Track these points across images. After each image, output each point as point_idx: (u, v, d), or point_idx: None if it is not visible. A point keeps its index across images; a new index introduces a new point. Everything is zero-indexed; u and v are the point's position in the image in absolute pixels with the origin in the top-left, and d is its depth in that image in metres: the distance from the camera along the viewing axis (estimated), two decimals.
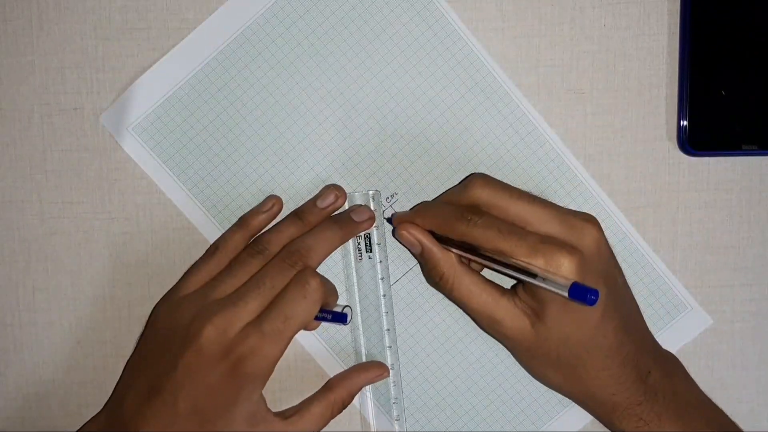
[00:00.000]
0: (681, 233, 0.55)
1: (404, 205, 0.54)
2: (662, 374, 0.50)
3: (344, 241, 0.52)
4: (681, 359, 0.53)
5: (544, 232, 0.47)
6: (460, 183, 0.53)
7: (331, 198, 0.52)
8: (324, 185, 0.54)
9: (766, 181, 0.55)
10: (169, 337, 0.49)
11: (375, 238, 0.54)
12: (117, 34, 0.54)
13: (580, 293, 0.43)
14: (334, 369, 0.55)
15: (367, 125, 0.54)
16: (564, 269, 0.46)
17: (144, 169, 0.54)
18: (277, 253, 0.50)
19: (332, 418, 0.52)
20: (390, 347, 0.54)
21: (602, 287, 0.47)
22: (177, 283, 0.51)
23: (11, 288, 0.55)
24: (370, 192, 0.54)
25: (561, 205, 0.54)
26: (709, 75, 0.53)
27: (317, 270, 0.50)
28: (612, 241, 0.54)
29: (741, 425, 0.52)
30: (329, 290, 0.52)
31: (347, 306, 0.52)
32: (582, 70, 0.54)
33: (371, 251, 0.54)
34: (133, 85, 0.53)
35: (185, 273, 0.51)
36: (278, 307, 0.48)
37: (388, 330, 0.54)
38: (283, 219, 0.52)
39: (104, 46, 0.54)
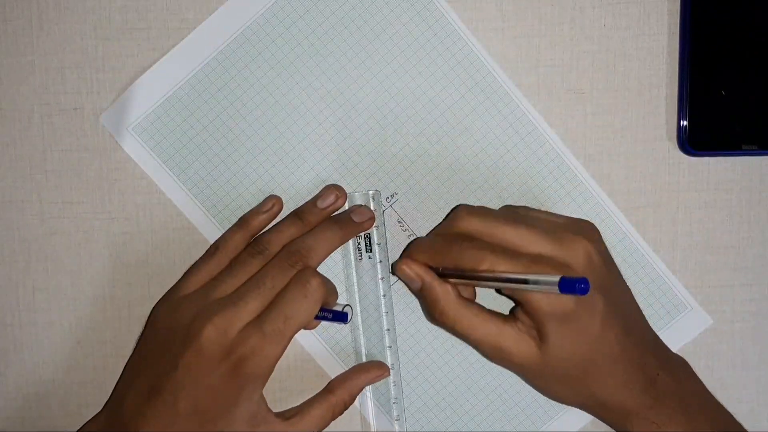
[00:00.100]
0: (681, 233, 0.55)
1: (404, 205, 0.54)
2: (670, 376, 0.50)
3: (344, 241, 0.52)
4: None
5: (535, 252, 0.47)
6: (445, 218, 0.53)
7: (331, 198, 0.52)
8: (324, 185, 0.54)
9: (766, 181, 0.55)
10: (169, 337, 0.49)
11: (375, 238, 0.54)
12: (117, 34, 0.54)
13: (569, 286, 0.43)
14: (334, 369, 0.55)
15: (367, 125, 0.54)
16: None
17: (144, 169, 0.54)
18: (277, 253, 0.50)
19: (333, 419, 0.52)
20: (390, 347, 0.54)
21: (599, 297, 0.47)
22: (177, 282, 0.51)
23: (11, 288, 0.55)
24: (370, 192, 0.54)
25: (561, 203, 0.54)
26: (709, 75, 0.53)
27: (317, 270, 0.50)
28: (612, 241, 0.54)
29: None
30: (329, 290, 0.52)
31: (347, 305, 0.52)
32: (582, 70, 0.54)
33: (371, 251, 0.54)
34: (133, 85, 0.53)
35: (185, 273, 0.51)
36: (279, 307, 0.48)
37: (388, 330, 0.54)
38: (283, 219, 0.52)
39: (104, 46, 0.54)
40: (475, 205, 0.54)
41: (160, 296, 0.52)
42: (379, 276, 0.54)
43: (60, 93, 0.54)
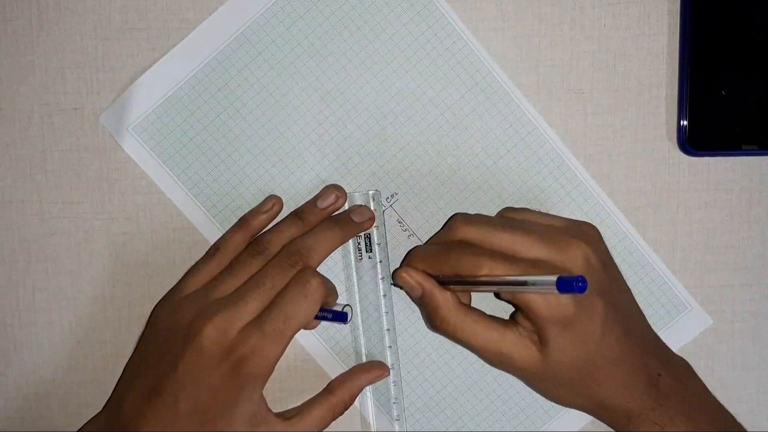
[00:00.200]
0: (681, 233, 0.55)
1: (404, 205, 0.54)
2: (672, 377, 0.50)
3: (344, 241, 0.52)
4: None
5: (532, 257, 0.47)
6: (443, 227, 0.53)
7: (331, 198, 0.52)
8: (324, 185, 0.54)
9: (766, 181, 0.55)
10: (169, 337, 0.49)
11: (375, 238, 0.54)
12: (117, 34, 0.54)
13: (567, 285, 0.43)
14: (334, 369, 0.55)
15: (367, 125, 0.54)
16: (558, 298, 0.47)
17: (144, 169, 0.54)
18: (277, 253, 0.50)
19: (333, 419, 0.52)
20: (390, 347, 0.54)
21: (598, 300, 0.47)
22: (177, 283, 0.51)
23: (11, 288, 0.55)
24: (370, 192, 0.54)
25: (561, 203, 0.54)
26: (709, 75, 0.53)
27: (317, 270, 0.50)
28: (612, 241, 0.54)
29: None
30: (329, 290, 0.52)
31: (347, 305, 0.52)
32: (582, 70, 0.54)
33: (371, 251, 0.54)
34: (133, 85, 0.53)
35: (186, 273, 0.51)
36: (279, 307, 0.48)
37: (388, 330, 0.54)
38: (283, 219, 0.52)
39: (104, 46, 0.54)
40: (474, 210, 0.54)
41: (160, 296, 0.52)
42: (379, 276, 0.54)
43: (60, 93, 0.54)
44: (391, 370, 0.54)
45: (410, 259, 0.51)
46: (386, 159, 0.54)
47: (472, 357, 0.55)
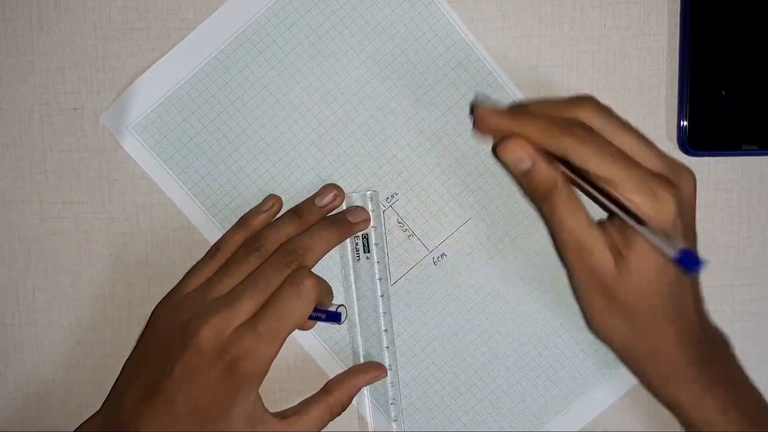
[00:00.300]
0: None
1: (404, 205, 0.54)
2: (715, 343, 0.50)
3: (341, 241, 0.52)
4: None
5: (649, 166, 0.46)
6: (563, 99, 0.49)
7: (329, 197, 0.52)
8: (323, 184, 0.54)
9: (766, 181, 0.55)
10: (168, 338, 0.49)
11: (373, 239, 0.54)
12: (117, 34, 0.53)
13: (688, 261, 0.42)
14: (333, 369, 0.55)
15: (368, 125, 0.54)
16: (666, 208, 0.45)
17: (144, 169, 0.54)
18: (274, 252, 0.50)
19: (331, 419, 0.52)
20: (388, 348, 0.54)
21: (692, 237, 0.48)
22: (178, 283, 0.51)
23: (11, 288, 0.55)
24: (368, 193, 0.54)
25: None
26: (709, 75, 0.53)
27: (312, 270, 0.50)
28: None
29: None
30: (324, 290, 0.52)
31: (342, 305, 0.52)
32: (582, 70, 0.54)
33: (369, 251, 0.54)
34: (133, 84, 0.53)
35: (186, 273, 0.51)
36: (272, 307, 0.48)
37: (386, 330, 0.54)
38: (281, 216, 0.53)
39: (104, 46, 0.54)
40: (474, 211, 0.54)
41: (160, 296, 0.52)
42: (377, 276, 0.54)
43: (60, 93, 0.54)
44: (388, 371, 0.54)
45: (514, 121, 0.47)
46: (386, 159, 0.54)
47: (472, 357, 0.55)
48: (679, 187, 0.46)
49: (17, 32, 0.53)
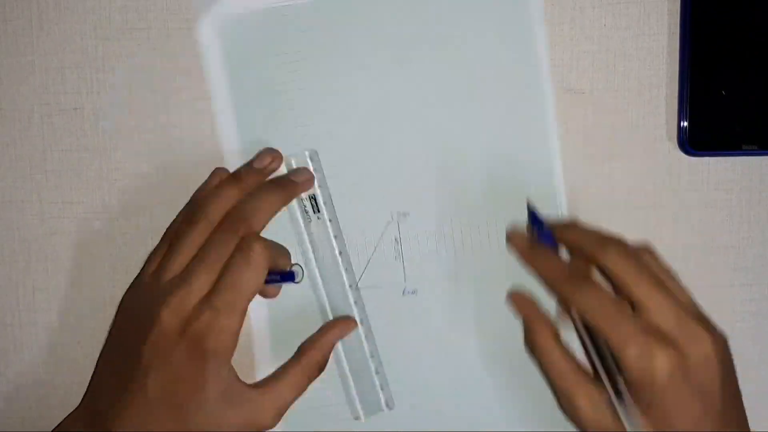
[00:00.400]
0: (681, 233, 0.55)
1: (414, 224, 0.54)
2: None
3: (286, 202, 0.51)
4: None
5: (655, 322, 0.44)
6: (597, 234, 0.47)
7: (268, 158, 0.52)
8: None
9: (766, 181, 0.55)
10: (132, 325, 0.48)
11: (321, 198, 0.53)
12: (117, 34, 0.53)
13: None
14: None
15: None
16: (657, 364, 0.43)
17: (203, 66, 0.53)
18: (220, 222, 0.49)
19: (310, 382, 0.50)
20: (356, 303, 0.54)
21: (697, 404, 0.44)
22: (139, 271, 0.51)
23: (11, 288, 0.55)
24: (307, 152, 0.53)
25: (555, 211, 0.54)
26: (709, 75, 0.53)
27: (260, 234, 0.49)
28: None
29: None
30: (277, 253, 0.51)
31: (296, 264, 0.51)
32: (582, 70, 0.54)
33: (319, 211, 0.53)
34: None
35: (146, 259, 0.51)
36: (226, 279, 0.47)
37: (351, 286, 0.54)
38: (220, 182, 0.51)
39: (104, 46, 0.54)
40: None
41: None
42: (332, 234, 0.53)
43: (60, 93, 0.54)
44: (360, 326, 0.54)
45: (539, 263, 0.48)
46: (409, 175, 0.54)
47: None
48: (682, 345, 0.44)
49: (17, 32, 0.53)
